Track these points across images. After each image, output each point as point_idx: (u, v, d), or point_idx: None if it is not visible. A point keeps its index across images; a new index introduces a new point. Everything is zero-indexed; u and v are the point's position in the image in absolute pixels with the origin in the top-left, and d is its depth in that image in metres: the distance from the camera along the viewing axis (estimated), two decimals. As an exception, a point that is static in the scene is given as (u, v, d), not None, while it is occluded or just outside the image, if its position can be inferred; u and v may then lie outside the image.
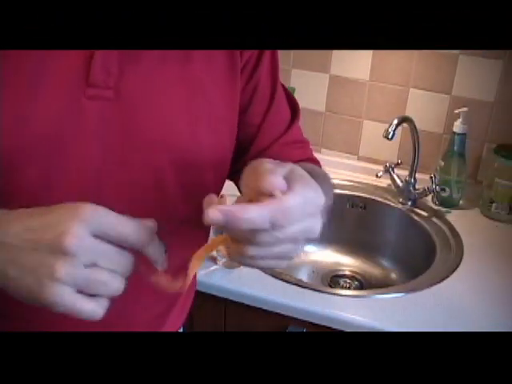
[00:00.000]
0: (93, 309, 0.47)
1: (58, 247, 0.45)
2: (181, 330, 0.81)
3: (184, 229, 0.64)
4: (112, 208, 0.48)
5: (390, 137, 1.24)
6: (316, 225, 0.48)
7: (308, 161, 0.74)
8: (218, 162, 0.66)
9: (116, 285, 0.48)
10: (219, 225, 0.45)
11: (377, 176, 1.37)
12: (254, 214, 0.44)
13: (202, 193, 0.49)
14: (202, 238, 0.69)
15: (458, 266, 1.14)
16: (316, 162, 0.77)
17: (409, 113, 1.39)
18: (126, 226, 0.48)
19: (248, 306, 1.04)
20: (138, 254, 0.49)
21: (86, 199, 0.48)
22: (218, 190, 0.69)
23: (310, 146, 0.79)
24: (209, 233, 0.73)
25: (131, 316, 0.67)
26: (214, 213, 0.44)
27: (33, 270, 0.46)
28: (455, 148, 1.32)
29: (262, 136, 0.71)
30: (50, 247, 0.46)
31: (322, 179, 0.68)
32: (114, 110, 0.57)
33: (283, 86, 0.75)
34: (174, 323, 0.77)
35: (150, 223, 0.50)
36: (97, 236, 0.46)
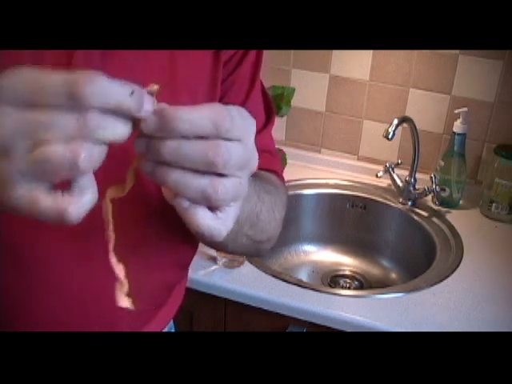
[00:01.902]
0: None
1: None
2: (171, 323, 0.80)
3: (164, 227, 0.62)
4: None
5: (389, 137, 1.24)
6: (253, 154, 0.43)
7: (272, 172, 0.72)
8: None
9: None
10: (153, 130, 0.38)
11: (377, 176, 1.37)
12: (195, 113, 0.38)
13: None
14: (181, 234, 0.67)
15: (457, 266, 1.14)
16: (280, 177, 0.74)
17: (409, 113, 1.39)
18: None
19: (248, 305, 1.04)
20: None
21: None
22: None
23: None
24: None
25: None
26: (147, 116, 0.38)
27: None
28: (455, 148, 1.32)
29: None
30: None
31: (270, 186, 0.67)
32: None
33: (263, 89, 0.72)
34: (169, 311, 0.75)
35: None
36: None
